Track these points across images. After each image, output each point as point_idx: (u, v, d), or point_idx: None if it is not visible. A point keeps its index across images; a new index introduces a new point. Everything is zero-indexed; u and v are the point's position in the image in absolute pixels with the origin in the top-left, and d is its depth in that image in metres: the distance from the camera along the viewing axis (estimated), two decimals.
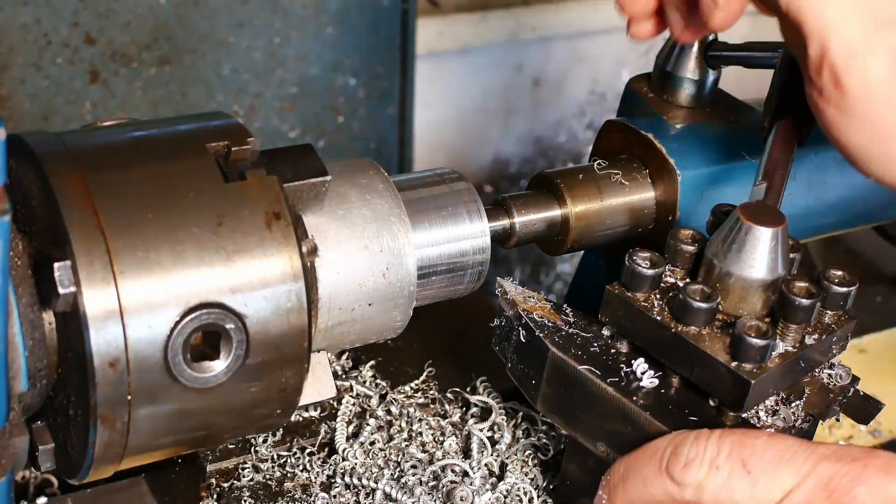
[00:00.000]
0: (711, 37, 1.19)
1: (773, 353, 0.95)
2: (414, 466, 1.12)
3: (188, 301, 0.87)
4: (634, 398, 0.98)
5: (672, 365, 0.98)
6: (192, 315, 0.87)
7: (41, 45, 1.65)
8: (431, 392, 1.21)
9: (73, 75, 1.69)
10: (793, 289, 0.96)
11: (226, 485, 1.09)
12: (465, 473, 1.12)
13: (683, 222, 1.15)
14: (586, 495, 1.02)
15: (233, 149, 0.92)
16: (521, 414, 1.19)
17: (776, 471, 0.86)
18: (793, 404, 0.99)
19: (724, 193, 1.17)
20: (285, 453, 1.13)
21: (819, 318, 1.00)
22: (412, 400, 1.19)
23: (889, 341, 1.51)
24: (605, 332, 1.04)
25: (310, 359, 0.95)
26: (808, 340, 0.98)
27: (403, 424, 1.16)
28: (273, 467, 1.11)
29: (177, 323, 0.86)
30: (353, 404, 1.18)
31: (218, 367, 0.89)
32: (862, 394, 1.02)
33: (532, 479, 1.12)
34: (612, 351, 1.02)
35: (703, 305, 0.95)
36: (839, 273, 1.01)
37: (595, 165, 1.18)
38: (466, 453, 1.15)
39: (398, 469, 1.12)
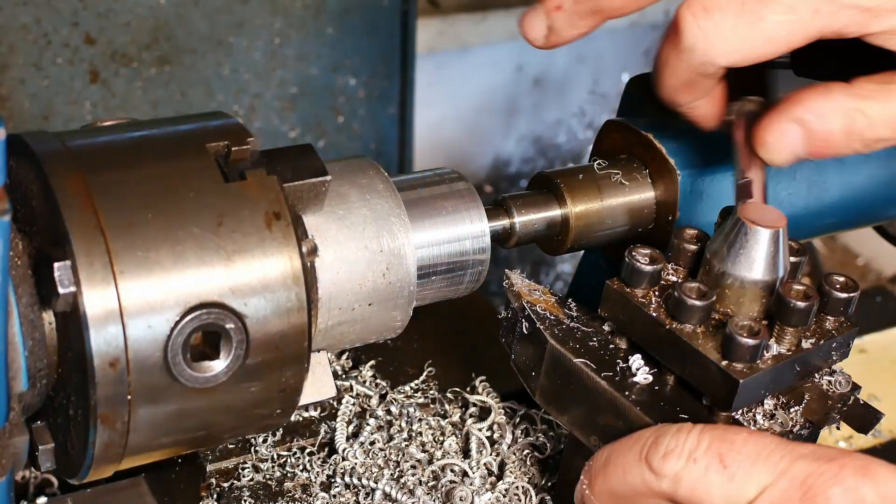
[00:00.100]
0: None
1: (766, 354, 0.95)
2: (413, 466, 1.12)
3: (188, 301, 0.87)
4: (627, 393, 0.98)
5: (666, 362, 0.98)
6: (192, 315, 0.87)
7: (41, 45, 1.65)
8: (431, 392, 1.21)
9: (73, 75, 1.69)
10: (789, 291, 0.96)
11: (226, 485, 1.09)
12: (465, 473, 1.12)
13: (683, 222, 1.15)
14: None
15: (233, 149, 0.92)
16: (519, 413, 1.19)
17: (752, 467, 0.86)
18: (791, 410, 0.99)
19: (725, 193, 1.17)
20: (285, 453, 1.13)
21: (819, 324, 1.00)
22: (412, 400, 1.19)
23: (889, 341, 1.51)
24: (606, 328, 1.04)
25: (310, 359, 0.95)
26: (805, 344, 0.98)
27: (403, 424, 1.16)
28: (273, 467, 1.11)
29: (177, 323, 0.86)
30: (353, 404, 1.18)
31: (218, 367, 0.89)
32: (862, 402, 1.02)
33: (530, 478, 1.13)
34: (611, 346, 1.03)
35: (698, 303, 0.95)
36: (841, 279, 1.01)
37: (595, 165, 1.18)
38: (466, 453, 1.15)
39: (398, 469, 1.12)
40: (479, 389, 1.21)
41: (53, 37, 1.65)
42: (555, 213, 1.15)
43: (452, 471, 1.12)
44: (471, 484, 1.10)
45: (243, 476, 1.10)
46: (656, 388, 0.99)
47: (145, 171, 0.90)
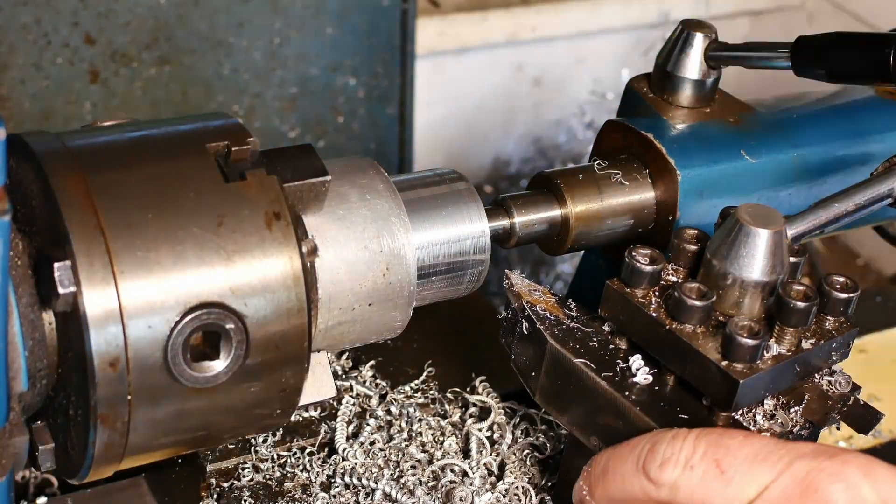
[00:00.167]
0: (712, 36, 1.19)
1: (766, 354, 0.95)
2: (413, 466, 1.12)
3: (188, 301, 0.87)
4: (627, 393, 0.98)
5: (666, 362, 0.98)
6: (192, 315, 0.87)
7: (41, 45, 1.65)
8: (431, 392, 1.21)
9: (73, 75, 1.69)
10: (789, 292, 0.96)
11: (226, 485, 1.09)
12: (465, 473, 1.12)
13: (683, 222, 1.15)
14: None
15: (233, 149, 0.93)
16: (519, 413, 1.19)
17: (751, 469, 0.86)
18: (791, 410, 0.99)
19: (724, 193, 1.17)
20: (285, 453, 1.13)
21: (819, 324, 1.00)
22: (412, 400, 1.19)
23: (889, 341, 1.51)
24: (606, 328, 1.04)
25: (310, 359, 0.95)
26: (805, 345, 0.98)
27: (403, 424, 1.16)
28: (273, 467, 1.11)
29: (177, 323, 0.86)
30: (353, 404, 1.18)
31: (218, 367, 0.89)
32: (862, 402, 1.02)
33: (530, 478, 1.13)
34: (611, 347, 1.03)
35: (698, 303, 0.95)
36: (841, 279, 1.01)
37: (595, 165, 1.18)
38: (466, 453, 1.15)
39: (398, 469, 1.12)
40: (479, 389, 1.21)
41: (53, 37, 1.65)
42: (555, 213, 1.15)
43: (452, 471, 1.12)
44: (471, 484, 1.10)
45: (243, 476, 1.10)
46: (656, 388, 0.99)
47: (145, 171, 0.90)
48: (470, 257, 1.08)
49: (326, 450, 1.14)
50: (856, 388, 1.02)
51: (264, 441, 1.12)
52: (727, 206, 1.05)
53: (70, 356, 0.88)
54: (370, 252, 1.01)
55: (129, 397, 0.87)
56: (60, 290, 0.83)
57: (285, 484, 1.10)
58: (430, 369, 1.24)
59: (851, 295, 1.00)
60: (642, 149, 1.17)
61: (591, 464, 0.96)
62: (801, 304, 0.95)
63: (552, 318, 1.05)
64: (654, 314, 0.98)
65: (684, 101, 1.21)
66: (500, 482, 1.11)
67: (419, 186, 1.08)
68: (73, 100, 1.70)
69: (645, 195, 1.17)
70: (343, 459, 1.12)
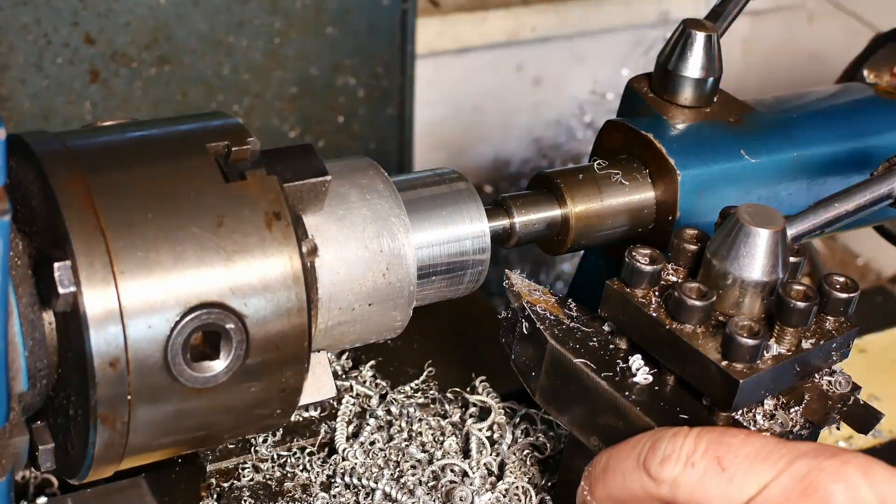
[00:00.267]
0: (713, 36, 1.19)
1: (766, 354, 0.95)
2: (414, 466, 1.12)
3: (188, 301, 0.87)
4: (627, 393, 0.98)
5: (666, 362, 0.98)
6: (192, 315, 0.87)
7: (41, 45, 1.65)
8: (431, 392, 1.21)
9: (73, 75, 1.69)
10: (789, 291, 0.96)
11: (226, 485, 1.09)
12: (465, 473, 1.12)
13: (683, 222, 1.15)
14: None
15: (233, 149, 0.93)
16: (520, 413, 1.19)
17: (751, 468, 0.86)
18: (791, 410, 0.99)
19: (724, 193, 1.17)
20: (285, 453, 1.13)
21: (819, 324, 1.00)
22: (412, 400, 1.19)
23: (889, 341, 1.51)
24: (606, 328, 1.04)
25: (310, 359, 0.95)
26: (805, 345, 0.98)
27: (403, 424, 1.16)
28: (273, 467, 1.11)
29: (177, 323, 0.86)
30: (353, 404, 1.18)
31: (218, 367, 0.89)
32: (862, 402, 1.02)
33: (530, 478, 1.13)
34: (612, 347, 1.03)
35: (698, 303, 0.95)
36: (841, 279, 1.01)
37: (595, 165, 1.18)
38: (466, 453, 1.15)
39: (398, 469, 1.12)
40: (479, 389, 1.21)
41: (53, 37, 1.65)
42: (555, 213, 1.15)
43: (452, 471, 1.12)
44: (471, 484, 1.10)
45: (243, 476, 1.10)
46: (656, 388, 0.99)
47: (145, 171, 0.90)
48: (470, 257, 1.08)
49: (326, 450, 1.14)
50: (856, 388, 1.02)
51: (264, 441, 1.12)
52: (727, 206, 1.05)
53: (70, 356, 0.88)
54: (370, 252, 1.01)
55: (129, 397, 0.87)
56: (60, 290, 0.83)
57: (285, 484, 1.10)
58: (430, 369, 1.24)
59: (851, 295, 1.00)
60: (642, 149, 1.17)
61: (592, 464, 0.96)
62: (801, 304, 0.95)
63: (552, 317, 1.05)
64: (654, 314, 0.98)
65: (685, 101, 1.21)
66: (500, 482, 1.11)
67: (419, 186, 1.08)
68: (73, 100, 1.70)
69: (645, 195, 1.17)
70: (343, 459, 1.12)
